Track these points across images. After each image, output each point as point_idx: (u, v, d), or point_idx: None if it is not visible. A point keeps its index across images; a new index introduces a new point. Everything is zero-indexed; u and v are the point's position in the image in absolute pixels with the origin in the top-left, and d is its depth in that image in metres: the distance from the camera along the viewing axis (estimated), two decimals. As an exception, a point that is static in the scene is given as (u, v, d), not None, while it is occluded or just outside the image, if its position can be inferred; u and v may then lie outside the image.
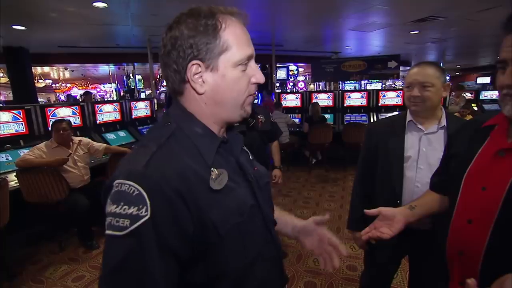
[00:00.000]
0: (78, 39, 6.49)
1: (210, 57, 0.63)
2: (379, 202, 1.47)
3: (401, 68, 7.01)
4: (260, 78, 0.69)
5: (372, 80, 8.43)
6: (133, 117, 5.20)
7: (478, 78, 14.70)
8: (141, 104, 5.44)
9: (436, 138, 1.35)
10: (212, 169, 0.63)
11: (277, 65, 9.80)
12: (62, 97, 13.60)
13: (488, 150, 0.86)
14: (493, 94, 8.66)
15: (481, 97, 8.44)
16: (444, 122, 1.35)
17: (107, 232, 0.54)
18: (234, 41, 0.64)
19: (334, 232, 3.26)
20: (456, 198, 0.91)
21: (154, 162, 0.57)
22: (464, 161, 0.91)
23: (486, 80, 13.66)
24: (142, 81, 12.56)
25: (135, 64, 10.37)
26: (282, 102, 6.43)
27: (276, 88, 9.54)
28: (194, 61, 0.63)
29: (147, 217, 0.52)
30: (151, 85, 7.42)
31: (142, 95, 11.74)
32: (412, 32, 6.58)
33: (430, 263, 1.45)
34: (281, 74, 10.14)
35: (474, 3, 4.64)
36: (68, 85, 14.43)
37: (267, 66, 8.75)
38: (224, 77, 0.64)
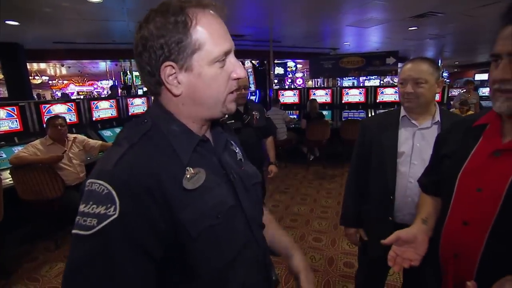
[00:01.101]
0: (73, 35, 6.42)
1: (183, 56, 0.60)
2: (373, 198, 1.50)
3: (399, 64, 6.97)
4: (240, 73, 0.66)
5: (370, 77, 8.40)
6: (130, 113, 5.16)
7: (476, 75, 14.69)
8: (138, 101, 5.40)
9: (430, 133, 1.35)
10: (187, 168, 0.61)
11: (275, 61, 9.76)
12: (59, 94, 13.48)
13: (483, 150, 0.84)
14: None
15: (480, 93, 8.48)
16: (438, 117, 1.35)
17: (74, 231, 0.52)
18: (208, 37, 0.60)
19: (332, 229, 3.28)
20: (450, 199, 0.88)
21: (124, 161, 0.56)
22: (457, 161, 0.89)
23: (484, 76, 13.65)
24: (140, 78, 12.45)
25: (132, 60, 10.29)
26: (280, 98, 6.41)
27: (274, 85, 9.51)
28: (167, 63, 0.60)
29: (114, 216, 0.50)
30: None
31: (140, 92, 11.67)
32: (411, 28, 6.54)
33: (424, 260, 1.44)
34: (279, 70, 10.11)
35: (468, 0, 4.61)
36: (65, 82, 14.32)
37: (265, 62, 8.72)
38: (200, 76, 0.61)
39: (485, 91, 8.95)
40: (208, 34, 0.60)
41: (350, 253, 2.74)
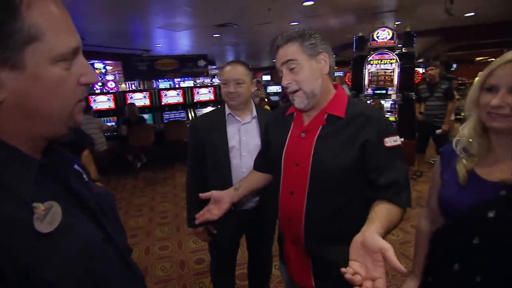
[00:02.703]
0: None
1: (7, 47, 0.41)
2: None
3: (209, 66, 7.67)
4: (92, 77, 0.52)
5: (185, 78, 8.72)
6: None
7: (263, 76, 18.40)
8: None
9: (251, 127, 1.56)
10: (34, 204, 0.44)
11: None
12: None
13: (294, 133, 1.08)
14: (275, 88, 11.35)
15: (267, 90, 10.74)
16: (254, 112, 1.57)
17: None
18: (49, 25, 0.44)
19: (175, 232, 3.23)
20: (280, 176, 1.10)
21: None
22: (280, 144, 1.10)
23: (268, 77, 17.33)
24: None
25: None
26: (91, 105, 5.55)
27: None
28: None
29: None
30: None
31: None
32: (215, 35, 7.30)
33: (261, 231, 1.70)
34: None
35: (255, 18, 5.69)
36: None
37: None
38: (38, 79, 0.44)
39: (271, 89, 11.46)
40: (48, 21, 0.44)
41: (198, 250, 2.81)
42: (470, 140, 0.84)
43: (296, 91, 1.00)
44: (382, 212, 0.87)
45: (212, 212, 1.14)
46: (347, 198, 1.00)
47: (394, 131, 0.98)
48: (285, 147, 1.08)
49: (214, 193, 1.16)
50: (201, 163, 1.56)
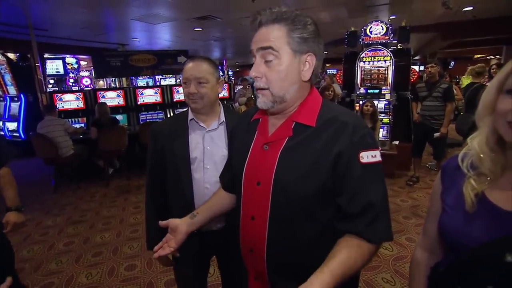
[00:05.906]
0: None
1: None
2: (174, 210, 1.42)
3: (191, 63, 7.49)
4: None
5: (166, 76, 8.48)
6: None
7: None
8: None
9: (217, 135, 1.39)
10: None
11: (46, 56, 7.99)
12: None
13: (257, 144, 0.92)
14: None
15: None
16: (223, 117, 1.41)
17: None
18: None
19: (145, 247, 3.00)
20: (240, 196, 0.94)
21: None
22: (241, 157, 0.95)
23: (258, 75, 17.42)
24: None
25: None
26: (57, 104, 5.29)
27: (50, 86, 7.78)
28: None
29: None
30: None
31: None
32: (196, 29, 7.11)
33: (233, 258, 1.54)
34: (55, 67, 8.22)
35: (238, 10, 5.53)
36: None
37: (29, 56, 6.90)
38: None
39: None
40: None
41: (169, 270, 2.61)
42: (481, 155, 0.68)
43: (262, 89, 0.84)
44: (340, 256, 0.74)
45: (170, 244, 1.01)
46: (318, 226, 0.85)
47: (374, 144, 0.82)
48: (246, 161, 0.92)
49: (171, 222, 1.03)
50: (161, 174, 1.41)
